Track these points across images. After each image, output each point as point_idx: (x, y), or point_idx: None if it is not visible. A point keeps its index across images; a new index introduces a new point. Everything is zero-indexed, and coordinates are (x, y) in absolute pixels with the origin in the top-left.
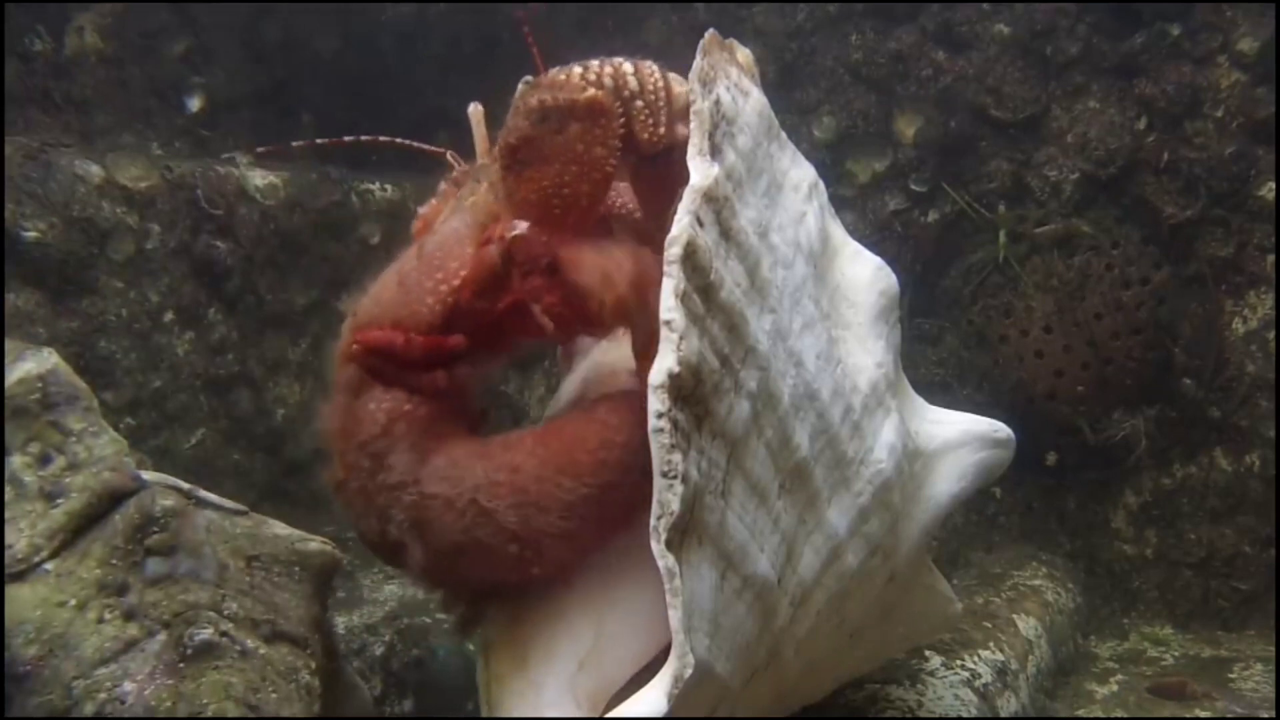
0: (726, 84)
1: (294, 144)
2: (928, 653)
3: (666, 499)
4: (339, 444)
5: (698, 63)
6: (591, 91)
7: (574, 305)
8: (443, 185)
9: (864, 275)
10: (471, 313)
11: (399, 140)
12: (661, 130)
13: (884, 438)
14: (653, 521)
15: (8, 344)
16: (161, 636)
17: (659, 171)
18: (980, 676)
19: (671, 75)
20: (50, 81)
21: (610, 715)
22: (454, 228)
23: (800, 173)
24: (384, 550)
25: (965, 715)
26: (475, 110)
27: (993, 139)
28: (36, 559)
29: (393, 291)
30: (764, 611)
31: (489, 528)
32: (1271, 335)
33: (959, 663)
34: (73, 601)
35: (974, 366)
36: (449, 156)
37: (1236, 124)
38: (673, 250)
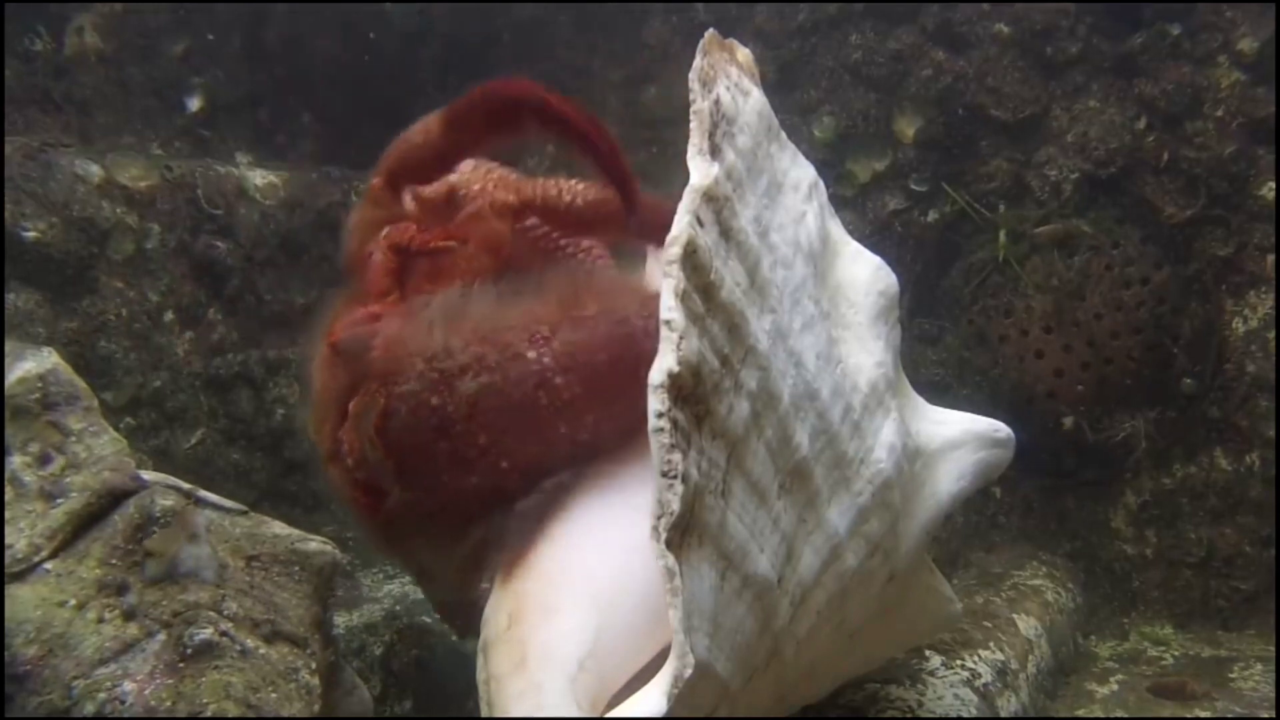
0: (726, 84)
1: None
2: (928, 652)
3: (667, 499)
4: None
5: (698, 62)
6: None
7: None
8: None
9: (864, 275)
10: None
11: None
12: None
13: (884, 437)
14: (653, 521)
15: (8, 344)
16: (161, 636)
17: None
18: (980, 676)
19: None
20: (50, 81)
21: (610, 715)
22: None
23: (800, 172)
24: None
25: (965, 715)
26: None
27: (993, 139)
28: (36, 559)
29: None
30: (764, 611)
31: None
32: (1271, 335)
33: (959, 662)
34: (73, 601)
35: (974, 366)
36: None
37: (1236, 124)
38: (673, 250)
